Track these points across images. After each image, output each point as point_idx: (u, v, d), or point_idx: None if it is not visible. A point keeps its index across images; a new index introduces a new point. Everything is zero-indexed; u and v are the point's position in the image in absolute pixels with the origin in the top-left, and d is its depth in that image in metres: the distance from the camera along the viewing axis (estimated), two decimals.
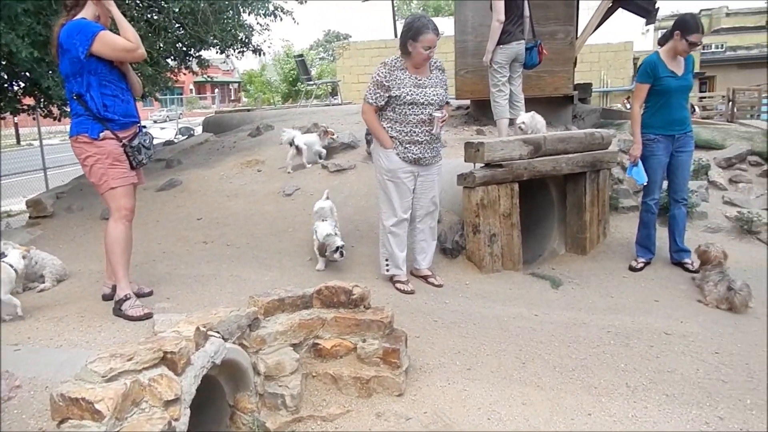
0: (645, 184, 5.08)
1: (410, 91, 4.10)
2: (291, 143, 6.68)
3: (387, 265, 4.40)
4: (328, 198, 4.95)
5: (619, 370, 3.27)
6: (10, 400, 2.45)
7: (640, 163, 5.02)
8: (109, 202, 3.71)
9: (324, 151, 6.87)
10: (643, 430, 2.67)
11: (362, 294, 3.14)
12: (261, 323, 2.89)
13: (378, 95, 4.11)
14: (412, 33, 4.00)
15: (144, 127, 3.90)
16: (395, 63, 4.14)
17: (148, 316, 3.50)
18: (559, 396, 2.95)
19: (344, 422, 2.67)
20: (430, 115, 4.16)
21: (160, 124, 27.63)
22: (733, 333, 3.83)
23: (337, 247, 4.36)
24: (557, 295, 4.61)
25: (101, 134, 3.54)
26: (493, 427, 2.65)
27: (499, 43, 6.12)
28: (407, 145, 4.18)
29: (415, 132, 4.17)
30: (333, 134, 7.01)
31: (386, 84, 4.08)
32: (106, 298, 3.85)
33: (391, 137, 4.19)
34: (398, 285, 4.32)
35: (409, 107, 4.12)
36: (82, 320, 3.52)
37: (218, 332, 2.56)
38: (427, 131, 4.19)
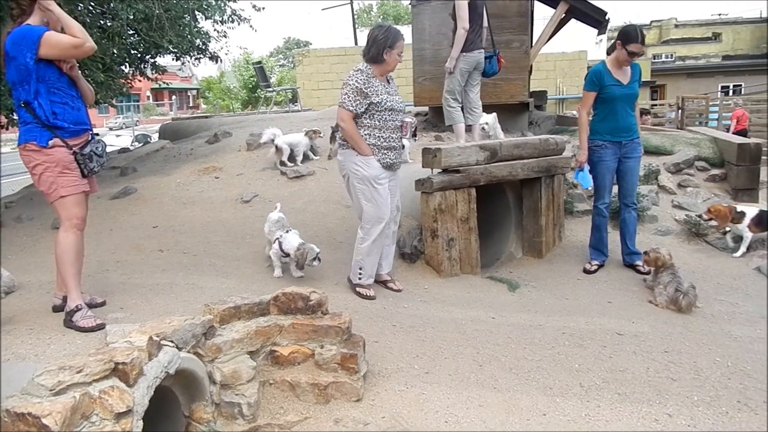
0: (589, 188, 5.23)
1: (387, 98, 4.20)
2: (272, 141, 6.64)
3: (360, 273, 4.36)
4: (280, 211, 4.91)
5: (573, 370, 3.35)
6: None
7: (586, 168, 5.16)
8: (60, 211, 3.61)
9: (310, 154, 6.93)
10: (595, 429, 2.73)
11: (320, 300, 3.14)
12: (217, 331, 2.85)
13: (358, 102, 4.13)
14: (390, 41, 4.14)
15: (96, 134, 3.83)
16: (368, 71, 4.18)
17: (100, 327, 3.42)
18: (515, 397, 3.00)
19: (302, 429, 2.66)
20: (402, 121, 4.30)
21: (115, 131, 26.97)
22: (682, 332, 3.95)
23: (317, 254, 4.40)
24: (514, 298, 4.68)
25: (50, 142, 3.45)
26: (450, 429, 2.67)
27: (462, 51, 6.21)
28: (385, 151, 4.24)
29: (392, 138, 4.27)
30: (320, 134, 7.06)
31: (365, 91, 4.11)
32: (57, 309, 3.74)
33: (371, 144, 4.20)
34: (361, 290, 4.33)
35: (389, 113, 4.21)
36: (32, 332, 3.41)
37: (172, 341, 2.53)
38: (399, 137, 4.33)
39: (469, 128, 6.58)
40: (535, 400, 2.97)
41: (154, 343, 2.41)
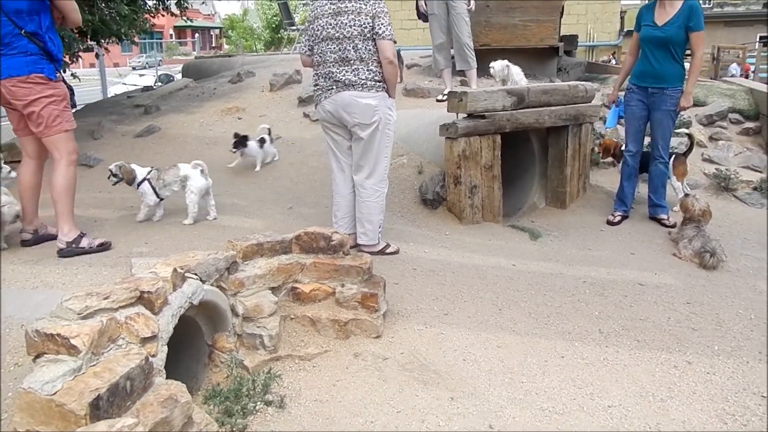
0: (610, 129, 5.11)
1: None
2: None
3: (380, 232, 4.03)
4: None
5: (593, 317, 3.34)
6: None
7: (614, 109, 5.04)
8: (60, 145, 3.61)
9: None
10: (614, 372, 2.74)
11: (341, 240, 3.14)
12: (239, 267, 2.88)
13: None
14: None
15: None
16: None
17: (110, 245, 3.70)
18: (533, 340, 3.01)
19: (322, 361, 2.70)
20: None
21: (138, 71, 26.83)
22: (705, 285, 3.91)
23: None
24: (536, 247, 4.66)
25: (57, 75, 3.48)
26: (468, 367, 2.70)
27: None
28: None
29: None
30: None
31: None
32: (27, 243, 3.80)
33: (381, 83, 3.81)
34: (389, 249, 4.04)
35: None
36: (59, 263, 3.48)
37: (196, 274, 2.55)
38: None
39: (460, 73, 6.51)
40: (554, 344, 2.98)
41: (179, 274, 2.44)
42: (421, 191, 5.05)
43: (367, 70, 3.74)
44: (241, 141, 5.43)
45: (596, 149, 5.86)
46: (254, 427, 2.23)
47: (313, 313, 2.94)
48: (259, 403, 2.34)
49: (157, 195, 4.36)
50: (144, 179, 4.34)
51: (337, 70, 3.75)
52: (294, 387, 2.51)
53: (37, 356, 1.98)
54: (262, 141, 5.60)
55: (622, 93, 5.30)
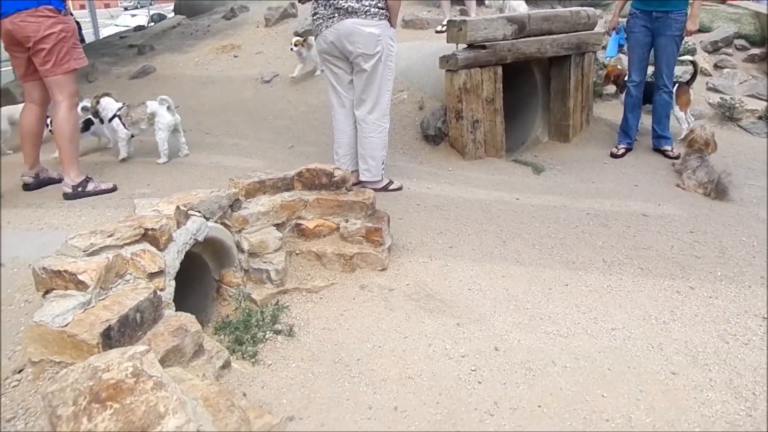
0: (609, 58, 4.99)
1: None
2: None
3: (383, 168, 4.00)
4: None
5: (596, 247, 3.35)
6: None
7: (615, 36, 4.90)
8: (64, 86, 3.51)
9: None
10: (617, 298, 2.77)
11: (343, 176, 3.12)
12: (242, 204, 2.87)
13: None
14: None
15: None
16: None
17: (116, 187, 3.67)
18: (537, 270, 3.03)
19: (329, 293, 2.73)
20: None
21: (131, 11, 26.14)
22: (708, 215, 3.91)
23: None
24: (539, 181, 4.64)
25: (66, 7, 3.34)
26: (473, 296, 2.73)
27: None
28: None
29: None
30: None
31: None
32: (29, 188, 3.77)
33: (383, 13, 3.67)
34: (392, 186, 4.04)
35: None
36: (62, 206, 3.48)
37: (199, 211, 2.55)
38: None
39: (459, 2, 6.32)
40: (558, 273, 3.00)
41: (182, 212, 2.44)
42: (422, 127, 5.00)
43: None
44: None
45: (599, 79, 5.75)
46: (265, 353, 2.27)
47: (318, 248, 2.95)
48: (268, 332, 2.38)
49: (128, 130, 4.33)
50: (115, 115, 4.29)
51: None
52: (302, 317, 2.55)
53: (46, 292, 2.00)
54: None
55: (624, 19, 5.15)
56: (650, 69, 5.16)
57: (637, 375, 2.19)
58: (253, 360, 2.23)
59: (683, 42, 5.05)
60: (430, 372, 2.19)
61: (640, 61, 4.93)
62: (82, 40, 3.61)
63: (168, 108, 4.29)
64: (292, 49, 5.49)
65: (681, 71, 5.92)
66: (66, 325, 1.81)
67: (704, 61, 6.56)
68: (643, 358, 2.30)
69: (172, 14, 11.66)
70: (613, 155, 5.13)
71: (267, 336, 2.36)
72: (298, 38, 5.45)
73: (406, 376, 2.16)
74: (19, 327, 2.14)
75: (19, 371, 1.94)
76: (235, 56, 6.64)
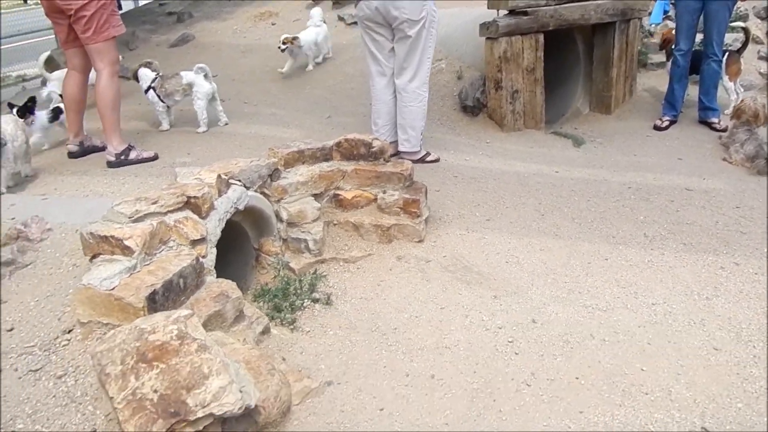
0: (654, 25, 4.80)
1: None
2: None
3: (421, 139, 3.95)
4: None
5: (638, 222, 3.29)
6: (43, 241, 2.54)
7: (660, 2, 4.70)
8: (104, 54, 3.57)
9: None
10: (659, 273, 2.72)
11: (382, 147, 3.11)
12: (281, 174, 2.90)
13: None
14: None
15: None
16: None
17: (157, 156, 3.74)
18: (576, 244, 2.99)
19: (366, 264, 2.75)
20: None
21: None
22: (755, 189, 3.79)
23: None
24: (579, 154, 4.55)
25: None
26: (511, 269, 2.71)
27: None
28: None
29: None
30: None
31: None
32: (73, 155, 3.86)
33: None
34: (429, 158, 4.00)
35: None
36: (106, 173, 3.56)
37: (239, 180, 2.58)
38: None
39: None
40: (598, 247, 2.96)
41: (223, 180, 2.47)
42: (460, 97, 4.93)
43: None
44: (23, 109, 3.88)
45: (644, 47, 5.52)
46: (303, 321, 2.31)
47: (355, 218, 2.97)
48: (306, 300, 2.42)
49: (163, 102, 4.38)
50: (149, 87, 4.35)
51: None
52: (339, 287, 2.58)
53: (93, 257, 2.07)
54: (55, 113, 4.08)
55: None
56: (698, 37, 4.96)
57: (677, 350, 2.16)
58: (292, 327, 2.27)
59: (735, 7, 4.83)
60: (466, 342, 2.20)
61: (689, 28, 4.74)
62: (120, 8, 3.63)
63: (205, 76, 4.32)
64: (281, 48, 5.39)
65: (731, 39, 5.67)
66: (113, 288, 1.86)
67: (756, 28, 6.26)
68: (684, 334, 2.27)
69: None
70: (657, 128, 4.99)
71: (305, 304, 2.40)
72: (287, 36, 5.41)
73: (443, 346, 2.18)
74: (67, 289, 2.21)
75: (69, 331, 2.02)
76: (273, 24, 6.63)
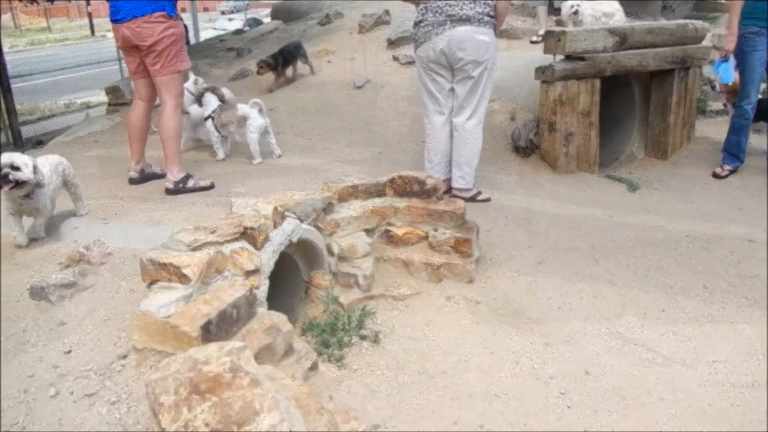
0: (730, 83, 4.67)
1: None
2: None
3: (475, 177, 3.95)
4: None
5: (697, 272, 3.17)
6: (103, 265, 2.61)
7: (732, 59, 4.58)
8: (170, 86, 3.72)
9: None
10: (719, 329, 2.61)
11: (435, 185, 3.12)
12: (335, 208, 2.93)
13: None
14: None
15: None
16: None
17: (213, 185, 3.84)
18: (631, 292, 2.90)
19: (414, 302, 2.73)
20: None
21: (227, 15, 27.57)
22: None
23: None
24: (634, 199, 4.46)
25: (176, 11, 3.54)
26: (563, 315, 2.65)
27: None
28: None
29: None
30: None
31: None
32: (134, 182, 3.99)
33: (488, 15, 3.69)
34: (481, 197, 3.98)
35: None
36: (164, 200, 3.67)
37: (294, 213, 2.62)
38: None
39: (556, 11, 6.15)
40: (654, 297, 2.86)
41: (279, 213, 2.51)
42: (513, 138, 4.91)
43: (484, 3, 3.61)
44: None
45: (703, 94, 5.40)
46: (350, 358, 2.30)
47: (406, 255, 2.96)
48: (354, 336, 2.40)
49: (219, 132, 4.50)
50: (209, 116, 4.47)
51: (453, 3, 3.60)
52: (387, 324, 2.56)
53: (151, 283, 2.11)
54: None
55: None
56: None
57: (741, 414, 2.05)
58: (339, 364, 2.26)
59: None
60: (517, 391, 2.14)
61: (760, 81, 4.63)
62: (188, 42, 3.81)
63: (260, 111, 4.44)
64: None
65: None
66: (170, 316, 1.90)
67: None
68: (748, 397, 2.15)
69: (268, 19, 12.12)
70: (716, 176, 4.85)
71: (353, 341, 2.39)
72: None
73: (493, 394, 2.12)
74: (124, 314, 2.26)
75: (124, 357, 2.05)
76: (329, 61, 6.79)
